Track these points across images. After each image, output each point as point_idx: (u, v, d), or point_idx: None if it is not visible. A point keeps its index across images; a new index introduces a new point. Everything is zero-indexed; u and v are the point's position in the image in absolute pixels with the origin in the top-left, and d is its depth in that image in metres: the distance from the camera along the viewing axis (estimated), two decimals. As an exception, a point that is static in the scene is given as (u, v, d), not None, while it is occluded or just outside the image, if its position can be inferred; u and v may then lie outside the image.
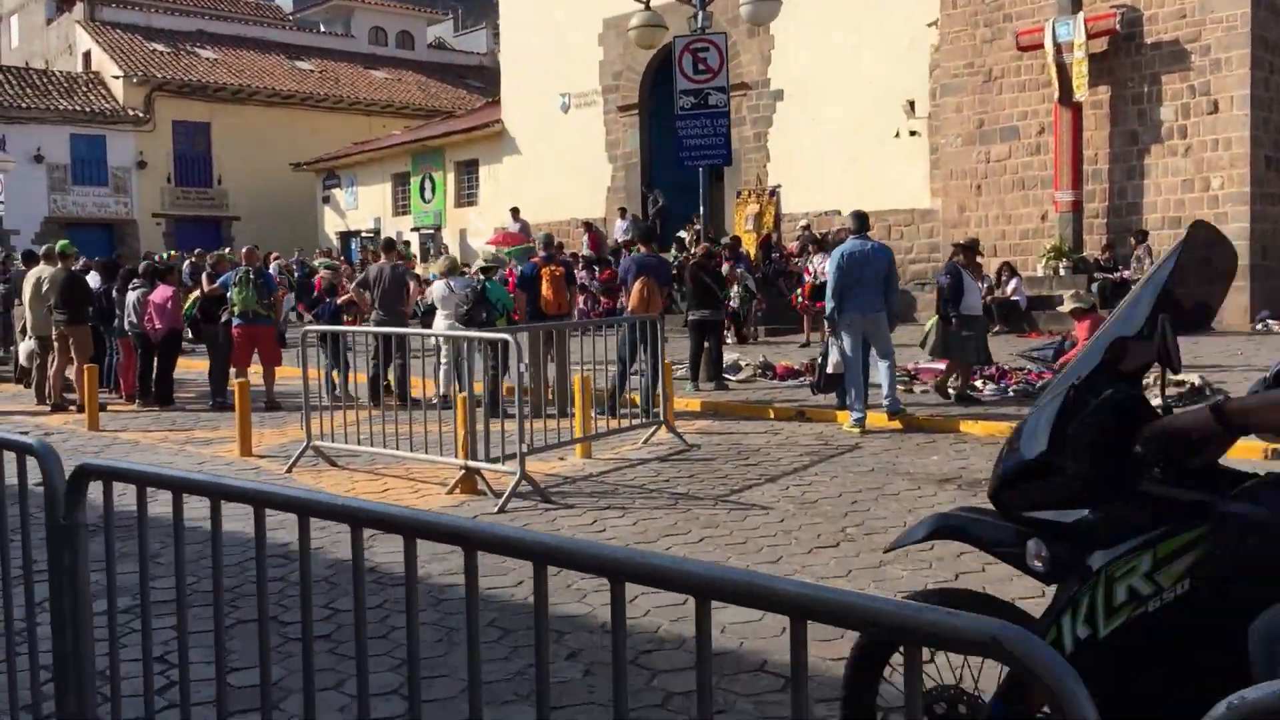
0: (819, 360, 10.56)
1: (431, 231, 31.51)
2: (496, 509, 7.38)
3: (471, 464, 7.91)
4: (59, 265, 13.38)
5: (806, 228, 21.67)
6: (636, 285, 11.05)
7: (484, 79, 47.19)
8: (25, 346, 14.41)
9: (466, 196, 31.47)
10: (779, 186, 23.95)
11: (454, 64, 48.09)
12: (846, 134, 22.56)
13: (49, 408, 13.34)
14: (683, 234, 24.02)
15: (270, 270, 24.93)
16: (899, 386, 10.79)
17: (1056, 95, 18.69)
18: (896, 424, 10.28)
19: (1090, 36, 18.33)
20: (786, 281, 20.80)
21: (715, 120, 13.32)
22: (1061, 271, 18.65)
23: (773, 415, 11.33)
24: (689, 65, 13.35)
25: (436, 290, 12.89)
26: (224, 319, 13.12)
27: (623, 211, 26.18)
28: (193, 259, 23.06)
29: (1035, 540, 2.76)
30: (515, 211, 27.71)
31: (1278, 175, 18.09)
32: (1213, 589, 2.42)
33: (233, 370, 13.34)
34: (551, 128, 28.14)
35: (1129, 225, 18.72)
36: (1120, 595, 2.51)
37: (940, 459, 8.84)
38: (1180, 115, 18.08)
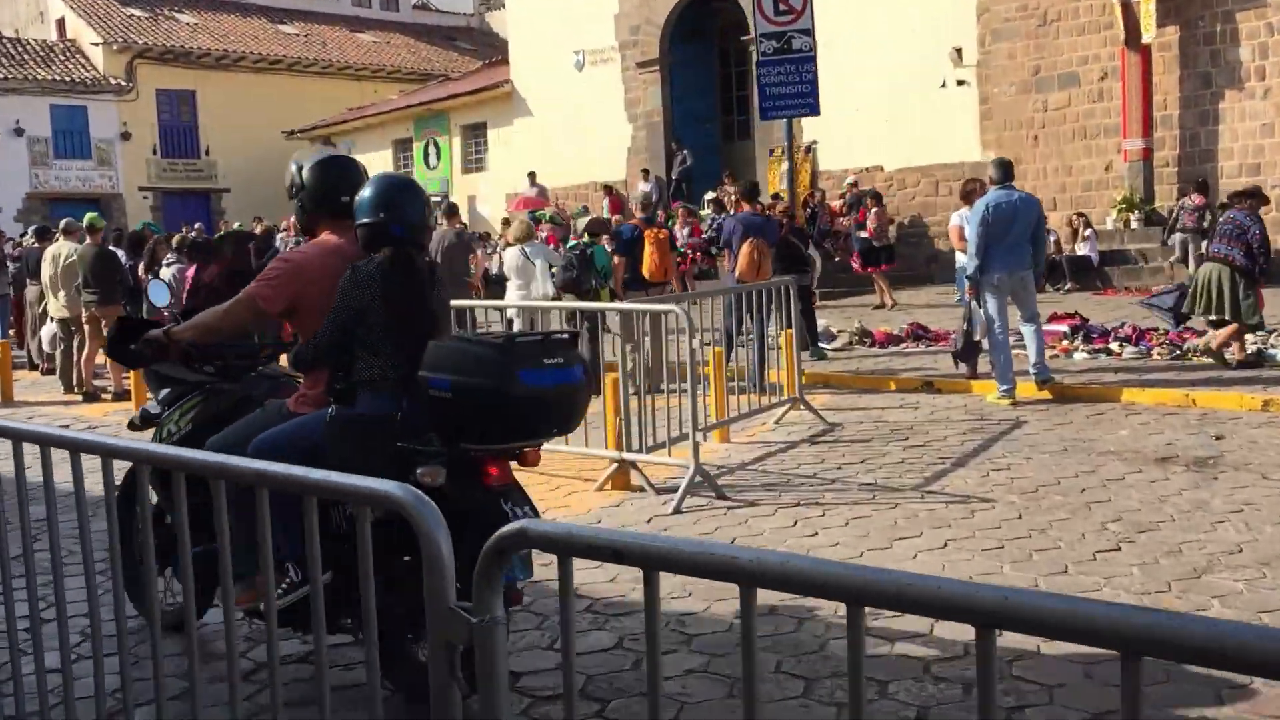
0: (964, 326, 9.54)
1: (439, 199, 30.15)
2: (670, 509, 6.34)
3: (630, 456, 6.86)
4: (87, 240, 12.16)
5: (854, 185, 20.57)
6: (745, 248, 9.98)
7: (474, 40, 45.81)
8: (48, 330, 13.19)
9: (474, 161, 30.20)
10: (815, 143, 22.83)
11: (441, 25, 46.52)
12: (887, 85, 21.42)
13: (81, 397, 12.18)
14: (711, 194, 23.01)
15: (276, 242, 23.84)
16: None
17: (1123, 38, 17.64)
18: (1046, 394, 9.29)
19: (1158, -27, 17.28)
20: (834, 242, 19.79)
21: (801, 66, 12.24)
22: (1133, 224, 17.70)
23: (894, 387, 10.33)
24: (769, 5, 12.24)
25: (510, 259, 11.78)
26: (272, 295, 11.96)
27: (645, 173, 24.99)
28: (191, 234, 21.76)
29: None
30: (532, 176, 26.48)
31: (1361, 117, 17.15)
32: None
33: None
34: (565, 87, 26.87)
35: (1202, 174, 17.73)
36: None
37: (1130, 434, 7.85)
38: (1258, 55, 17.08)
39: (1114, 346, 10.69)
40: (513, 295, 11.84)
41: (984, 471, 6.94)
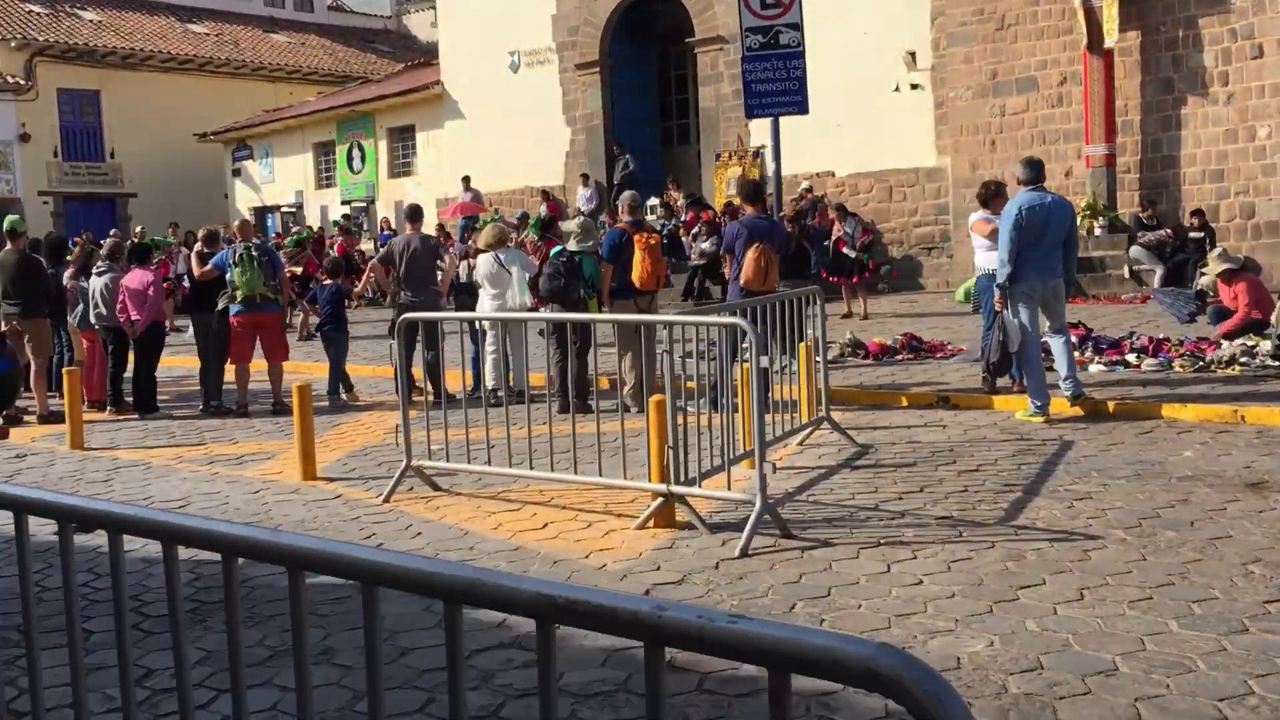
0: (998, 337, 8.89)
1: (364, 204, 29.00)
2: (737, 551, 5.53)
3: (681, 490, 6.03)
4: (8, 246, 10.95)
5: (809, 190, 20.01)
6: (751, 254, 9.22)
7: (391, 43, 44.53)
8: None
9: (402, 165, 29.04)
10: (763, 147, 22.17)
11: (357, 27, 45.13)
12: (838, 89, 20.79)
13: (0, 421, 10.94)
14: (654, 200, 22.28)
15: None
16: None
17: (1085, 42, 17.34)
18: (1078, 410, 8.68)
19: (1122, -23, 17.01)
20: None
21: (789, 63, 11.54)
22: (1097, 231, 17.38)
23: (906, 402, 9.66)
24: (756, -2, 11.55)
25: (483, 266, 10.87)
26: (221, 306, 10.88)
27: (585, 178, 24.21)
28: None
29: None
30: (466, 180, 25.43)
31: (1322, 124, 17.06)
32: None
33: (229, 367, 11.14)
34: (500, 89, 25.91)
35: (1164, 180, 17.53)
36: None
37: (1197, 456, 7.25)
38: (1220, 60, 16.89)
39: (1131, 358, 10.16)
40: (486, 305, 10.95)
41: (1065, 501, 6.26)
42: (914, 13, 20.04)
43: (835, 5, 20.73)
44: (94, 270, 11.26)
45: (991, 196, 9.65)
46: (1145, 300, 15.68)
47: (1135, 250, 16.70)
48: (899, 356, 11.50)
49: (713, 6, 22.46)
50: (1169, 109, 17.48)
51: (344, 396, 11.35)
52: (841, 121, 21.06)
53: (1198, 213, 16.59)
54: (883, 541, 5.64)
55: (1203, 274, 12.99)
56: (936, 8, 19.75)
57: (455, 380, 10.26)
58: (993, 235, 9.38)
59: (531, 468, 6.83)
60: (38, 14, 35.50)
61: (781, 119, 21.61)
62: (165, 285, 11.06)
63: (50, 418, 10.82)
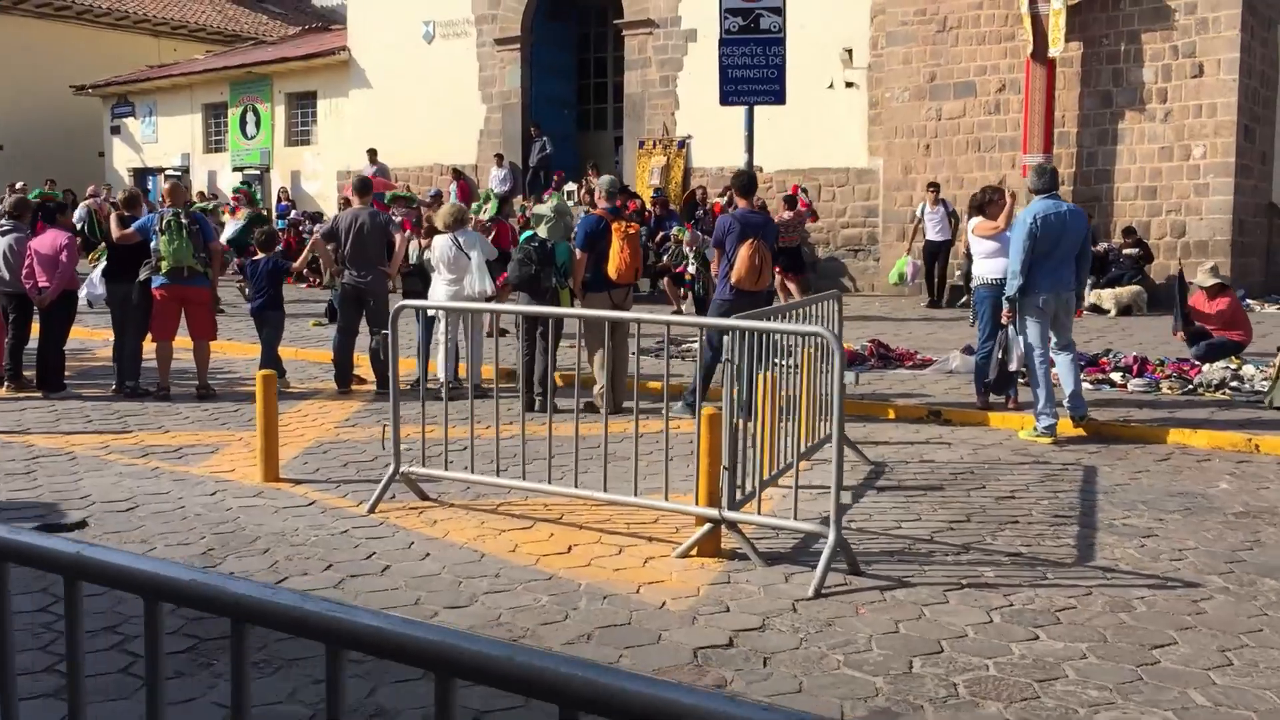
0: (998, 354, 8.45)
1: (257, 172, 27.47)
2: (811, 592, 4.90)
3: (735, 517, 5.37)
4: (-104, 197, 9.65)
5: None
6: (743, 250, 8.59)
7: (283, 4, 42.61)
8: None
9: (300, 134, 27.58)
10: (689, 138, 21.66)
11: (247, -16, 43.04)
12: (770, 82, 20.46)
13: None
14: (571, 186, 21.53)
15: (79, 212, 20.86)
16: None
17: (1030, 49, 17.21)
18: (1080, 431, 8.32)
19: (1070, -14, 16.92)
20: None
21: (769, 49, 10.93)
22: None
23: (894, 415, 9.17)
24: (737, -22, 10.89)
25: (439, 248, 10.00)
26: (143, 277, 9.78)
27: (499, 158, 23.30)
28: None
29: None
30: (373, 153, 24.27)
31: (1252, 147, 17.28)
32: None
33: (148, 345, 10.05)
34: (412, 60, 24.75)
35: (1098, 194, 17.53)
36: None
37: (1235, 488, 6.90)
38: (1160, 77, 16.94)
39: (1116, 377, 9.87)
40: (440, 291, 10.10)
41: (1132, 539, 5.80)
42: (853, 9, 19.69)
43: (772, -4, 20.31)
44: (-7, 229, 10.03)
45: (986, 202, 9.21)
46: (1080, 314, 15.58)
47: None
48: (869, 363, 11.03)
49: (643, -12, 21.76)
50: (1106, 123, 17.47)
51: (280, 383, 10.34)
52: (771, 116, 20.57)
53: (1129, 231, 16.62)
54: (965, 583, 5.09)
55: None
56: (877, 5, 19.43)
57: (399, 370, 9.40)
58: (997, 243, 8.97)
59: (550, 481, 6.06)
60: (-103, -55, 32.76)
61: (707, 109, 21.40)
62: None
63: (-60, 394, 9.61)
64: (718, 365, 8.22)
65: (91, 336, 13.13)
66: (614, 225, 9.27)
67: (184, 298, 9.79)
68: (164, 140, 30.11)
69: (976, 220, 9.18)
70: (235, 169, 27.96)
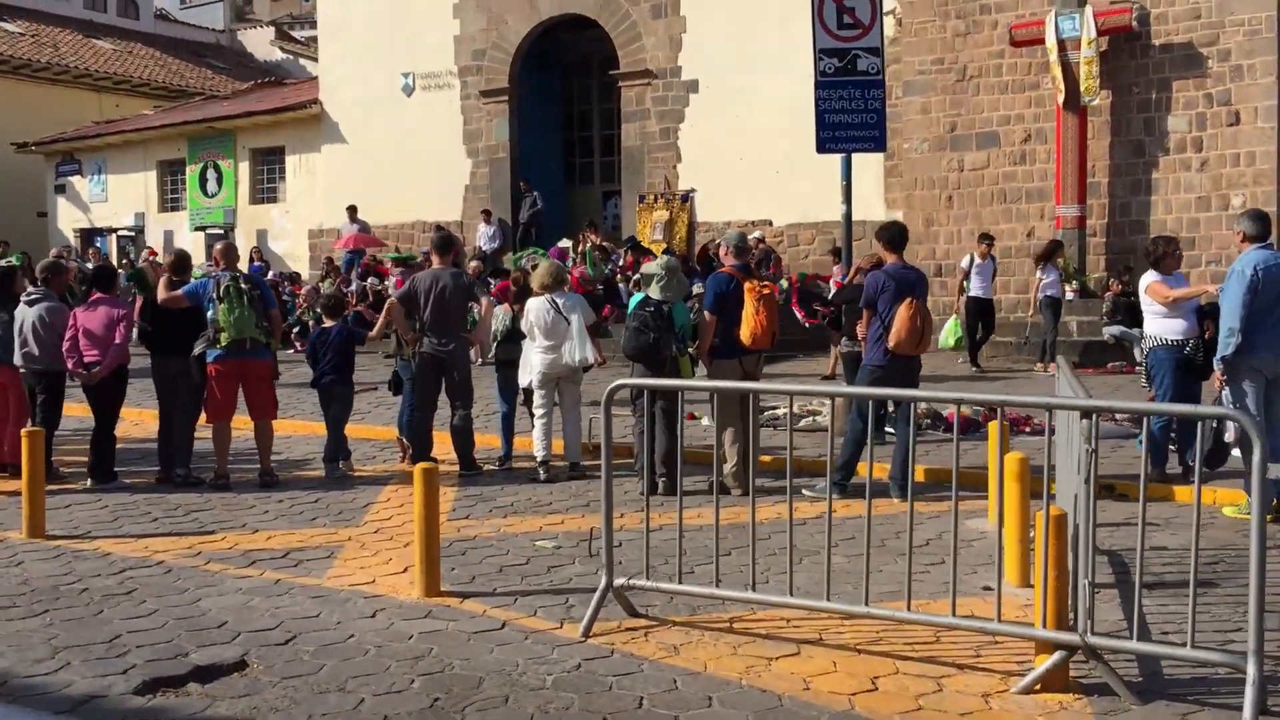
0: (1213, 425, 7.62)
1: (221, 231, 26.02)
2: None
3: (1101, 642, 4.39)
4: (-87, 262, 8.36)
5: (761, 240, 18.71)
6: (903, 311, 7.70)
7: (226, 59, 41.28)
8: None
9: (266, 191, 26.26)
10: (693, 191, 20.86)
11: (187, 39, 41.63)
12: (777, 133, 19.76)
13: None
14: (565, 243, 20.58)
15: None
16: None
17: (1062, 99, 16.73)
18: (1289, 508, 7.50)
19: (1099, 33, 16.50)
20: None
21: (867, 92, 10.15)
22: (1069, 295, 16.67)
23: (1054, 490, 8.28)
24: (831, 15, 10.10)
25: (535, 311, 8.95)
26: (198, 350, 8.58)
27: (487, 215, 22.26)
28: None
29: None
30: (353, 210, 23.08)
31: (1289, 195, 16.93)
32: None
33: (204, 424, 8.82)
34: (389, 113, 23.68)
35: (1132, 246, 16.99)
36: None
37: None
38: (1195, 125, 16.56)
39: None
40: (535, 360, 9.03)
41: None
42: (866, 59, 19.08)
43: (779, 47, 19.66)
44: (24, 297, 8.75)
45: (1161, 256, 8.47)
46: (1131, 369, 14.96)
47: (1115, 328, 15.92)
48: (981, 431, 10.18)
49: (641, 39, 21.05)
50: (1139, 172, 17.03)
51: (341, 465, 9.18)
52: (781, 169, 19.96)
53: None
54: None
55: None
56: (891, 54, 18.77)
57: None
58: (1171, 301, 8.23)
59: (829, 598, 5.01)
60: None
61: (712, 161, 20.69)
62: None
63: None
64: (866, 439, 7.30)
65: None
66: (746, 284, 8.32)
67: (244, 372, 8.60)
68: (115, 199, 28.54)
69: (1152, 277, 8.42)
70: (197, 228, 26.51)
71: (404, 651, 4.95)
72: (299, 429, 11.18)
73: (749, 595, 5.14)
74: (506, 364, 9.51)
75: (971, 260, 15.57)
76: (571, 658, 4.87)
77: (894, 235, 8.18)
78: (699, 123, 20.77)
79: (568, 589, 5.94)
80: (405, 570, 6.29)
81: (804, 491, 8.22)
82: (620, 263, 18.78)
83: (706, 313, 8.36)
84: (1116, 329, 15.70)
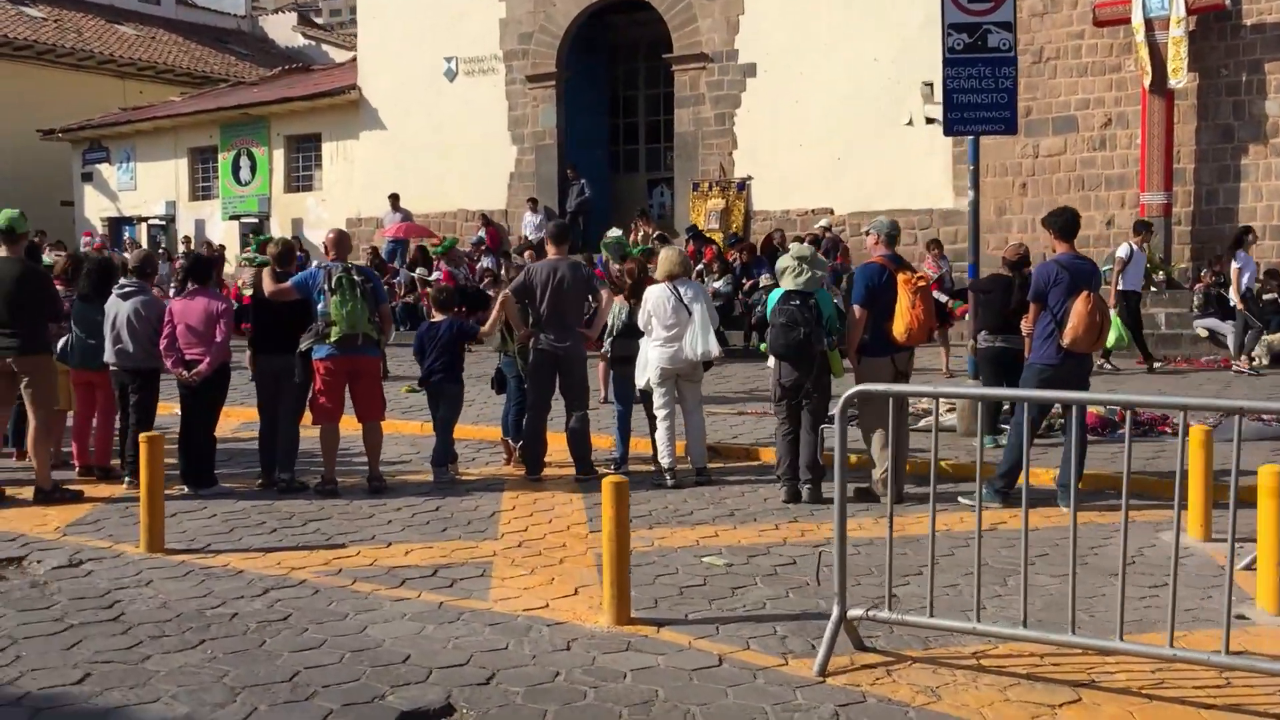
0: None
1: (255, 220, 25.42)
2: None
3: None
4: (3, 251, 7.77)
5: (827, 228, 18.13)
6: (1080, 305, 7.10)
7: (247, 45, 40.61)
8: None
9: (302, 179, 25.64)
10: (749, 179, 20.23)
11: (209, 25, 40.95)
12: (840, 119, 19.20)
13: (-22, 499, 7.72)
14: (616, 231, 19.92)
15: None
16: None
17: (1148, 81, 16.09)
18: None
19: (1189, 12, 15.86)
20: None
21: (998, 70, 9.56)
22: (1154, 287, 16.04)
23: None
24: (962, -10, 9.51)
25: (654, 299, 8.34)
26: (304, 346, 7.99)
27: (533, 203, 21.64)
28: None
29: None
30: (395, 199, 22.47)
31: (1383, 184, 16.31)
32: None
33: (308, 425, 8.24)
34: (430, 100, 23.04)
35: (1219, 234, 16.40)
36: None
37: None
38: (1288, 109, 15.95)
39: None
40: (653, 355, 8.42)
41: None
42: (933, 40, 18.01)
43: (842, 28, 19.07)
44: (115, 290, 8.16)
45: (1240, 239, 7.86)
46: (1227, 364, 14.33)
47: (1209, 320, 15.25)
48: (1120, 431, 9.58)
49: (696, 21, 20.40)
50: (1227, 158, 16.41)
51: (450, 469, 8.60)
52: (842, 155, 19.35)
53: (1272, 273, 15.37)
54: None
55: None
56: (961, 37, 18.22)
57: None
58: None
59: (1123, 638, 4.38)
60: None
61: (769, 147, 20.06)
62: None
63: (57, 494, 7.68)
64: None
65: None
66: (900, 276, 7.73)
67: (353, 370, 8.01)
68: (144, 187, 27.92)
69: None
70: (230, 217, 25.91)
71: (625, 694, 4.36)
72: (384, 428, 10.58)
73: (1050, 636, 4.52)
74: (622, 360, 8.91)
75: (1131, 251, 14.09)
76: (822, 703, 4.28)
77: (1065, 222, 7.58)
78: (756, 108, 20.13)
79: (768, 615, 5.35)
80: (576, 592, 5.71)
81: (960, 499, 7.66)
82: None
83: (856, 307, 7.76)
84: (1210, 322, 15.11)
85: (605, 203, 22.52)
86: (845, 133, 19.14)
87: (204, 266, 8.23)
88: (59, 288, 8.58)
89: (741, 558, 6.36)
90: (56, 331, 8.15)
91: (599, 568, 6.13)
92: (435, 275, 19.52)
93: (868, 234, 8.32)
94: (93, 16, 35.89)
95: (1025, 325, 7.78)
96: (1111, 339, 12.96)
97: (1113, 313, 13.42)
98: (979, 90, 9.70)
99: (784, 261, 8.15)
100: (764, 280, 16.83)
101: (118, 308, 8.04)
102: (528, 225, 21.62)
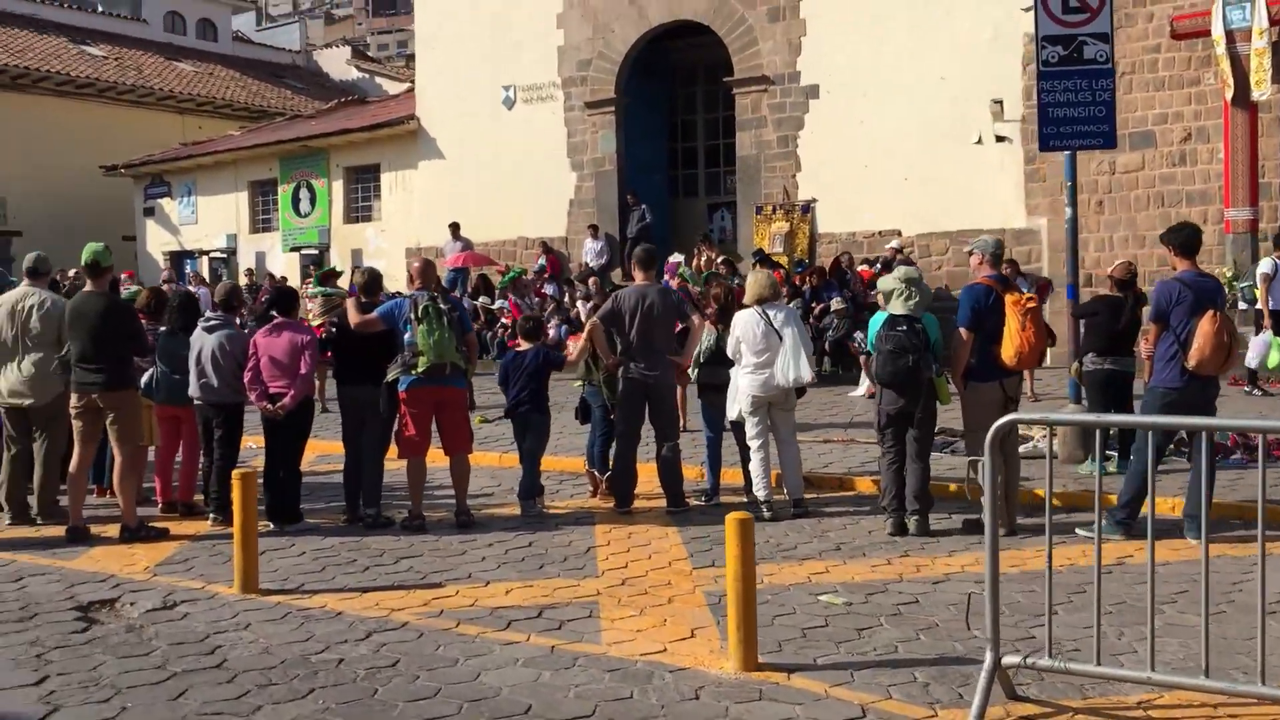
0: None
1: (315, 252, 25.48)
2: None
3: None
4: (86, 286, 7.65)
5: (899, 250, 17.80)
6: (1206, 325, 6.75)
7: (303, 79, 41.00)
8: (-20, 426, 8.38)
9: (360, 210, 25.67)
10: (814, 201, 19.94)
11: (265, 60, 41.41)
12: (905, 138, 18.86)
13: (65, 534, 7.58)
14: (677, 257, 19.66)
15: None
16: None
17: (1230, 94, 15.65)
18: None
19: (1272, 23, 15.40)
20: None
21: (1095, 82, 9.24)
22: (1242, 305, 15.53)
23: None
24: (1056, 0, 9.19)
25: (743, 324, 8.07)
26: (392, 376, 7.79)
27: (594, 230, 21.47)
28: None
29: None
30: (455, 228, 22.40)
31: None
32: None
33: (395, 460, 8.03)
34: (489, 128, 22.97)
35: (1307, 250, 15.88)
36: None
37: None
38: (1376, 122, 15.44)
39: None
40: (743, 382, 8.14)
41: None
42: (1003, 56, 18.11)
43: (907, 47, 18.76)
44: (201, 323, 8.02)
45: None
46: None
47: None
48: (1234, 456, 9.15)
49: (757, 44, 20.18)
50: (1313, 172, 15.91)
51: (538, 502, 8.35)
52: (909, 175, 19.02)
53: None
54: None
55: None
56: (1031, 51, 17.75)
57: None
58: None
59: (1263, 682, 4.06)
60: (-89, 23, 30.88)
61: (834, 169, 19.76)
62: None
63: (143, 532, 7.52)
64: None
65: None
66: (1008, 297, 7.40)
67: (440, 400, 7.80)
68: (205, 220, 28.11)
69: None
70: (290, 249, 25.99)
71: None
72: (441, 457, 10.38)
73: (1238, 688, 4.18)
74: (712, 388, 8.63)
75: (1276, 266, 13.41)
76: (987, 761, 3.97)
77: (1187, 239, 7.23)
78: (820, 129, 19.85)
79: (903, 660, 5.03)
80: (693, 634, 5.42)
81: (1078, 531, 7.29)
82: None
83: (962, 330, 7.44)
84: (1302, 342, 14.58)
85: (665, 228, 22.32)
86: (912, 152, 18.81)
87: (288, 299, 8.07)
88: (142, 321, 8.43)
89: (859, 596, 6.05)
90: (141, 366, 8.02)
91: (711, 607, 5.87)
92: (500, 305, 19.41)
93: (970, 254, 8.00)
94: (152, 54, 36.38)
95: (1144, 347, 7.41)
96: (1274, 359, 12.16)
97: (1268, 334, 12.99)
98: (1075, 104, 9.36)
99: (889, 284, 7.85)
100: (835, 304, 16.57)
101: (203, 341, 7.89)
102: (588, 252, 21.49)
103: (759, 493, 8.08)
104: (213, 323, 7.96)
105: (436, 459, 8.17)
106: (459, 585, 6.41)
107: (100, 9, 39.13)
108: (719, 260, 18.53)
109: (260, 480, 7.90)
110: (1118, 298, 9.05)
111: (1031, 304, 7.43)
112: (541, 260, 21.67)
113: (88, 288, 7.60)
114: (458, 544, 7.41)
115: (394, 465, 8.13)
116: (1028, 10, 17.67)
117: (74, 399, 7.53)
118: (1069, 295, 9.65)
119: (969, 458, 7.65)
